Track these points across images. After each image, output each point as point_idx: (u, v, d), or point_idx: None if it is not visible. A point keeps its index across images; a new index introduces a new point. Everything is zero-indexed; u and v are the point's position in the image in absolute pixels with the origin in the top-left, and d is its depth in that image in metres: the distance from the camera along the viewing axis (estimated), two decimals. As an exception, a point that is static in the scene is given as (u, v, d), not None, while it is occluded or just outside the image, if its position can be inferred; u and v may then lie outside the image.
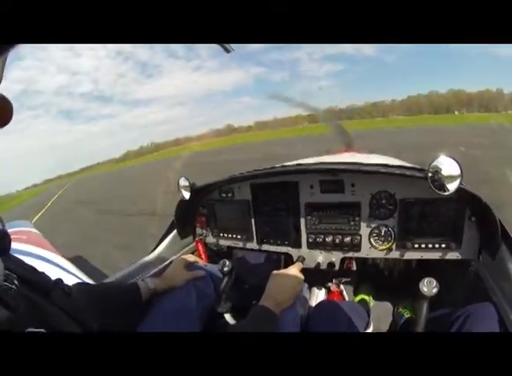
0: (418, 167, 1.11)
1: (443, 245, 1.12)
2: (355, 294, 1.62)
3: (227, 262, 1.22)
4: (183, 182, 1.37)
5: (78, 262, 2.88)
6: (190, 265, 1.22)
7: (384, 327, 1.44)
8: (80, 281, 0.98)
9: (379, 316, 1.48)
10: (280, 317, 0.94)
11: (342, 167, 1.21)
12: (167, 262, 1.47)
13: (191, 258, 1.25)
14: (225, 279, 1.23)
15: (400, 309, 1.43)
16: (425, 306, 0.96)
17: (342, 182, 1.22)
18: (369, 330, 1.41)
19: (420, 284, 0.96)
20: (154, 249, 1.48)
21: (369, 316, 1.41)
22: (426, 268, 1.30)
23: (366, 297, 1.59)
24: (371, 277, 1.64)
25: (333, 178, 1.22)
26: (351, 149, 2.90)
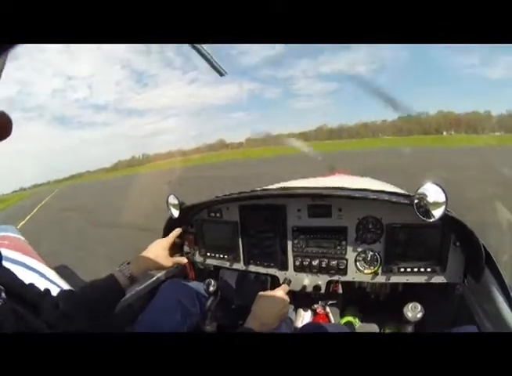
0: (405, 193, 1.15)
1: (428, 269, 1.15)
2: (341, 316, 1.64)
3: (212, 282, 1.23)
4: (172, 200, 1.38)
5: (63, 271, 2.83)
6: (171, 251, 1.19)
7: None
8: (65, 290, 0.96)
9: None
10: None
11: (330, 192, 1.23)
12: (154, 278, 1.48)
13: (168, 240, 1.21)
14: (211, 298, 1.24)
15: (386, 332, 1.44)
16: (409, 331, 0.98)
17: (330, 206, 1.24)
18: None
19: (405, 309, 0.98)
20: None
21: None
22: (411, 292, 1.34)
23: (352, 319, 1.61)
24: (357, 300, 1.66)
25: (321, 202, 1.24)
26: (339, 171, 2.90)
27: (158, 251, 1.13)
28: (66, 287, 1.81)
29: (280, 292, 1.07)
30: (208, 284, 1.23)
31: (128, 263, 1.07)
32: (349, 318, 1.61)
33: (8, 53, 0.36)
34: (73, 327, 0.73)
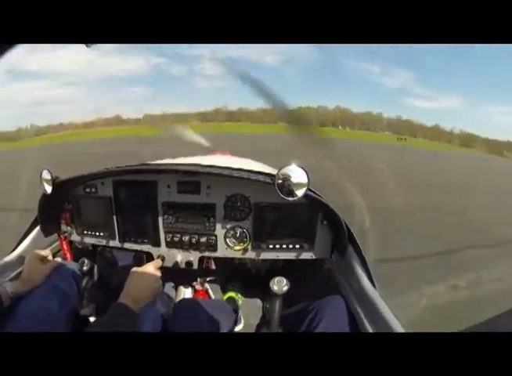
0: (272, 172, 1.14)
1: (297, 246, 1.21)
2: (224, 292, 1.68)
3: (86, 261, 1.18)
4: (46, 175, 1.28)
5: None
6: (49, 263, 1.16)
7: (254, 323, 1.52)
8: None
9: (248, 313, 1.56)
10: (139, 315, 0.95)
11: (197, 169, 1.23)
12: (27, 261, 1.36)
13: (45, 252, 1.19)
14: (85, 279, 1.19)
15: (268, 305, 1.49)
16: (277, 303, 1.01)
17: (199, 183, 1.25)
18: (239, 326, 1.48)
19: (271, 283, 1.01)
20: (15, 248, 1.37)
21: (237, 313, 1.47)
22: (282, 267, 1.38)
23: (235, 295, 1.64)
24: (236, 276, 1.70)
25: (190, 179, 1.25)
26: (220, 152, 2.86)
27: (40, 268, 1.11)
28: None
29: (150, 268, 1.09)
30: (82, 264, 1.17)
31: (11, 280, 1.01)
32: (231, 294, 1.64)
33: (8, 53, 0.36)
34: None
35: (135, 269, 1.07)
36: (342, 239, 1.10)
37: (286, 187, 0.98)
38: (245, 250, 1.26)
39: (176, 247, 1.33)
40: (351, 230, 1.11)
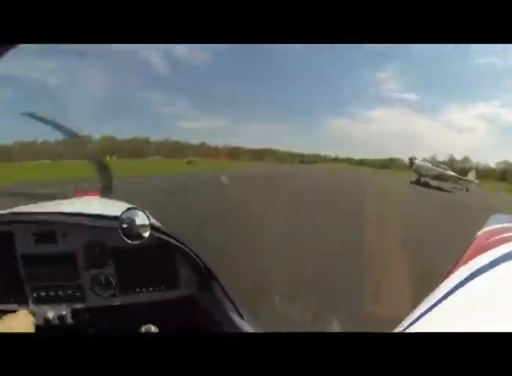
0: (114, 215, 1.14)
1: (163, 287, 1.22)
2: None
3: None
4: None
5: None
6: None
7: None
8: None
9: None
10: None
11: (53, 219, 1.19)
12: None
13: None
14: None
15: None
16: None
17: (54, 232, 1.20)
18: None
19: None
20: None
21: None
22: (151, 310, 1.32)
23: None
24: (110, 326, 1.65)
25: (45, 228, 1.20)
26: (89, 193, 2.69)
27: None
28: None
29: (21, 324, 0.96)
30: None
31: None
32: None
33: (8, 53, 0.36)
34: None
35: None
36: (204, 278, 1.15)
37: (132, 230, 1.02)
38: (114, 296, 1.22)
39: (45, 303, 1.23)
40: (209, 265, 1.16)
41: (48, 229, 1.20)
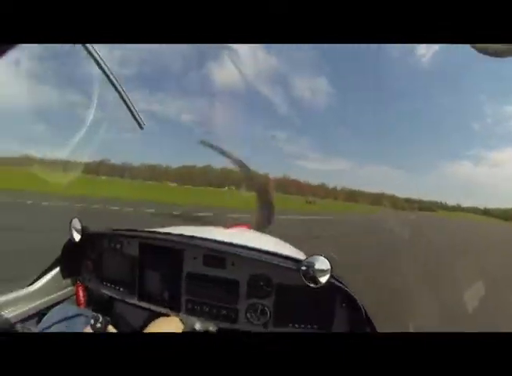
0: (295, 257, 1.23)
1: (315, 326, 1.24)
2: None
3: (100, 318, 1.06)
4: (76, 223, 1.40)
5: None
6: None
7: None
8: None
9: None
10: None
11: (225, 249, 1.28)
12: (43, 299, 1.41)
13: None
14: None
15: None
16: None
17: (224, 259, 1.30)
18: None
19: None
20: (32, 283, 1.43)
21: None
22: None
23: None
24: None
25: (216, 254, 1.31)
26: (242, 224, 2.86)
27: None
28: None
29: (171, 328, 1.08)
30: (96, 320, 1.05)
31: None
32: None
33: (8, 53, 0.36)
34: None
35: (153, 327, 1.06)
36: (360, 320, 1.13)
37: (311, 274, 1.08)
38: (265, 326, 1.28)
39: (196, 315, 1.34)
40: (368, 315, 1.15)
41: (220, 256, 1.31)
